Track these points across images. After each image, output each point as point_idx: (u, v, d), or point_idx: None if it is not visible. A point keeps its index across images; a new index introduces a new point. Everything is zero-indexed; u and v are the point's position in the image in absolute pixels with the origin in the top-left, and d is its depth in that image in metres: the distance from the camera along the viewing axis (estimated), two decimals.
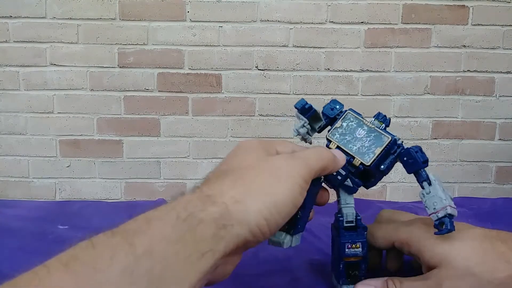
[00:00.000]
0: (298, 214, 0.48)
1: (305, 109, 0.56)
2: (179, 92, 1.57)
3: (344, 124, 0.52)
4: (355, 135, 0.51)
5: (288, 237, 0.47)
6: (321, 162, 0.44)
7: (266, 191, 0.37)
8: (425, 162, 0.49)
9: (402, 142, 0.52)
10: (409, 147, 0.50)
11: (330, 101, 0.57)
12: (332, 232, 0.54)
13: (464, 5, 1.54)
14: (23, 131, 1.58)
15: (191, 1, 1.52)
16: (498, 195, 1.62)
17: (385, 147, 0.49)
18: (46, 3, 1.51)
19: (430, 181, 0.48)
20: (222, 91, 1.57)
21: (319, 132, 0.57)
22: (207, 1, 1.52)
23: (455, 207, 0.47)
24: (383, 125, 0.52)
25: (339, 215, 0.51)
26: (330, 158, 0.45)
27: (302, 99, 0.56)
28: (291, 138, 0.62)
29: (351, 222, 0.51)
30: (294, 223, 0.48)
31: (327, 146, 0.53)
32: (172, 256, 0.31)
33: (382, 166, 0.50)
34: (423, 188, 0.49)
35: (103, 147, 1.59)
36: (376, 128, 0.51)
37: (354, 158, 0.50)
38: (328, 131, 0.54)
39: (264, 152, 0.43)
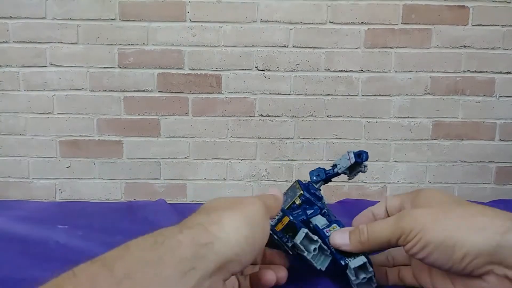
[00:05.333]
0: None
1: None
2: (179, 92, 1.57)
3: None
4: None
5: (323, 257, 0.50)
6: (275, 203, 0.48)
7: (238, 210, 0.40)
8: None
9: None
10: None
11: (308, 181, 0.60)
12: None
13: (464, 6, 1.54)
14: (23, 132, 1.58)
15: (191, 1, 1.52)
16: (498, 196, 1.62)
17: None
18: (46, 3, 1.51)
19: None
20: (222, 92, 1.57)
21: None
22: (207, 1, 1.52)
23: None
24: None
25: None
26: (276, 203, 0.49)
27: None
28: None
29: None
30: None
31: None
32: (152, 277, 0.32)
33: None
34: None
35: (103, 147, 1.59)
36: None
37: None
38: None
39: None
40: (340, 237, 0.50)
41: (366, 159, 0.56)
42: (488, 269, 0.41)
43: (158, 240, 0.35)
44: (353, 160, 0.55)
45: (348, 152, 0.57)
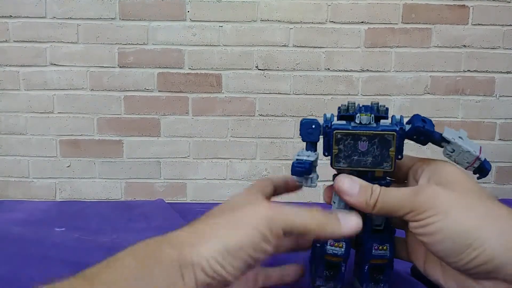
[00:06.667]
0: (343, 267, 0.48)
1: (307, 171, 0.50)
2: (179, 92, 1.57)
3: (341, 147, 0.46)
4: (359, 150, 0.46)
5: None
6: (304, 222, 0.41)
7: (219, 235, 0.38)
8: (433, 126, 0.46)
9: (401, 116, 0.47)
10: (412, 123, 0.47)
11: (302, 123, 0.49)
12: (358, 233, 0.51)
13: (464, 5, 1.54)
14: (23, 131, 1.58)
15: (191, 0, 1.52)
16: (498, 196, 1.62)
17: (396, 143, 0.46)
18: (46, 2, 1.51)
19: (446, 140, 0.46)
20: (222, 91, 1.57)
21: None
22: (207, 0, 1.52)
23: (481, 150, 0.45)
24: (372, 115, 0.47)
25: (367, 216, 0.49)
26: (322, 223, 0.42)
27: (297, 165, 0.49)
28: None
29: (379, 225, 0.49)
30: (339, 275, 0.48)
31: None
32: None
33: (399, 157, 0.47)
34: (442, 147, 0.47)
35: (103, 147, 1.59)
36: (373, 131, 0.47)
37: (374, 171, 0.46)
38: (331, 162, 0.48)
39: (243, 202, 0.45)
40: (349, 184, 0.44)
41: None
42: (492, 275, 0.38)
43: (138, 256, 0.36)
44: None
45: None
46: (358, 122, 0.46)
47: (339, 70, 1.57)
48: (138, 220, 0.74)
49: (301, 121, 0.48)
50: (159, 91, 1.57)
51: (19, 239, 0.61)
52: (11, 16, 1.52)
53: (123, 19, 1.53)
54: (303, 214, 0.42)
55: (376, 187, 0.44)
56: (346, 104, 0.48)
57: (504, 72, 1.58)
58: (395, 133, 0.45)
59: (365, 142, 0.45)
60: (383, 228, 0.49)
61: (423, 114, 0.48)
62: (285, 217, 0.40)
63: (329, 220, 0.43)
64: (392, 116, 0.47)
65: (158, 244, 0.37)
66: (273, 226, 0.39)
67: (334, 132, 0.46)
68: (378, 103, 0.47)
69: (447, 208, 0.39)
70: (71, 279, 0.33)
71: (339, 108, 0.49)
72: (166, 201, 1.42)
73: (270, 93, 1.58)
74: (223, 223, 0.40)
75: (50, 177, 1.61)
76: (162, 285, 0.34)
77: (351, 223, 0.43)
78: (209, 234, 0.39)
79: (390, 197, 0.43)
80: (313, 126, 0.48)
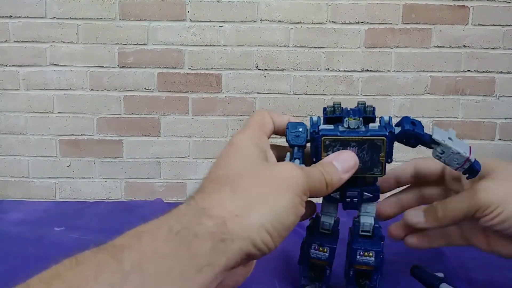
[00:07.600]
0: (327, 271, 0.47)
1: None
2: (179, 92, 1.57)
3: (330, 153, 0.45)
4: None
5: None
6: (321, 183, 0.41)
7: (267, 203, 0.36)
8: (422, 128, 0.47)
9: (390, 118, 0.47)
10: (402, 126, 0.47)
11: (289, 126, 0.48)
12: (348, 236, 0.51)
13: (464, 5, 1.54)
14: (23, 131, 1.58)
15: (191, 1, 1.52)
16: None
17: (386, 148, 0.46)
18: (46, 3, 1.51)
19: (436, 141, 0.46)
20: (222, 91, 1.57)
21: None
22: (207, 1, 1.52)
23: (471, 150, 0.46)
24: (360, 119, 0.46)
25: (356, 220, 0.49)
26: (333, 183, 0.42)
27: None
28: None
29: (368, 231, 0.48)
30: (324, 277, 0.48)
31: None
32: (164, 271, 0.29)
33: (389, 160, 0.47)
34: (432, 148, 0.47)
35: (103, 147, 1.59)
36: (362, 136, 0.45)
37: (365, 177, 0.46)
38: None
39: (261, 153, 0.42)
40: (415, 215, 0.51)
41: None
42: None
43: (173, 229, 0.32)
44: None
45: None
46: (346, 126, 0.45)
47: (339, 70, 1.57)
48: (137, 220, 0.75)
49: (287, 124, 0.48)
50: (159, 91, 1.57)
51: (18, 239, 0.61)
52: (11, 16, 1.52)
53: (123, 19, 1.53)
54: (318, 174, 0.41)
55: (436, 204, 0.50)
56: (332, 105, 0.48)
57: (504, 72, 1.58)
58: (385, 138, 0.45)
59: (355, 147, 0.45)
60: (371, 234, 0.49)
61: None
62: (310, 179, 0.40)
63: (330, 172, 0.42)
64: (381, 117, 0.47)
65: (195, 215, 0.33)
66: (305, 189, 0.39)
67: (323, 138, 0.45)
68: (364, 103, 0.47)
69: (506, 196, 0.45)
70: (94, 251, 0.30)
71: (324, 109, 0.49)
72: (166, 201, 1.43)
73: (270, 93, 1.58)
74: (261, 186, 0.37)
75: (50, 177, 1.61)
76: (199, 264, 0.31)
77: (347, 164, 0.44)
78: (253, 200, 0.35)
79: (453, 206, 0.48)
80: (300, 129, 0.48)
